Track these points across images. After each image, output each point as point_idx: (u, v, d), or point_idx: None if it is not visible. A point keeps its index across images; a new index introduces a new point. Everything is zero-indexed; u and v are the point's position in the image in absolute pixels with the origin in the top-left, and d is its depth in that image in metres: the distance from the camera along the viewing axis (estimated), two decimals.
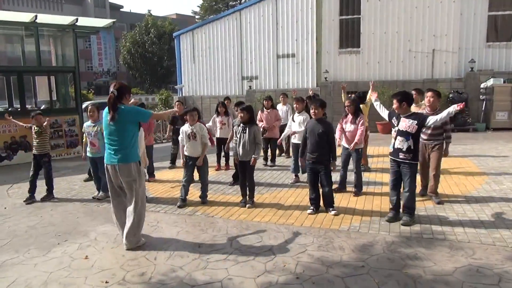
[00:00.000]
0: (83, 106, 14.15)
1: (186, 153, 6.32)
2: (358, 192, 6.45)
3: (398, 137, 4.98)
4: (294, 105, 7.44)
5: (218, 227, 5.18)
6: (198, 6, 47.93)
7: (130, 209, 4.67)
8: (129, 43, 38.02)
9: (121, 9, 57.72)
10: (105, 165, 4.76)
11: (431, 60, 15.70)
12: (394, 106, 5.05)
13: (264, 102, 9.26)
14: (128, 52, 38.24)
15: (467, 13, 15.21)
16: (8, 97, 13.70)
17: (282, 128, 9.95)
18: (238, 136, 6.06)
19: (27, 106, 12.62)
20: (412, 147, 4.87)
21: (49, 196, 7.00)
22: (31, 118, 6.99)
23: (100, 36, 46.45)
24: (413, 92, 6.96)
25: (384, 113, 5.38)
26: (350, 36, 16.38)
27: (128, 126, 4.58)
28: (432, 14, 15.46)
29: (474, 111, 14.85)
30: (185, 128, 6.33)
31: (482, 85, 14.73)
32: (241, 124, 6.05)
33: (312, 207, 5.60)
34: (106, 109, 4.63)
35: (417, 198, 5.29)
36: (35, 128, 6.93)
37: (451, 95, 14.48)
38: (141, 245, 4.65)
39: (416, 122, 4.86)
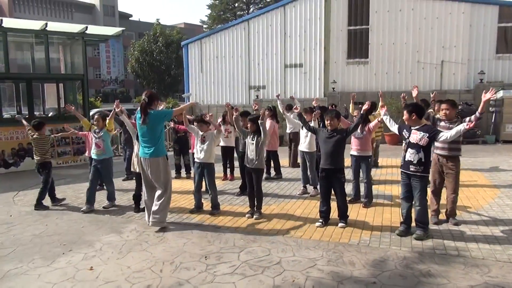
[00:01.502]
0: (91, 113, 14.18)
1: (195, 159, 6.34)
2: (367, 203, 6.34)
3: (409, 150, 4.87)
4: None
5: (225, 238, 5.08)
6: (206, 16, 48.33)
7: (159, 193, 5.52)
8: (137, 51, 38.28)
9: (130, 18, 58.37)
10: (139, 157, 5.64)
11: (440, 71, 15.60)
12: (404, 117, 4.97)
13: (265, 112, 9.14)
14: (136, 60, 38.49)
15: (477, 25, 15.14)
16: (16, 103, 13.77)
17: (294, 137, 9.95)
18: (247, 144, 6.04)
19: (35, 113, 12.67)
20: (423, 160, 4.77)
21: (39, 205, 6.79)
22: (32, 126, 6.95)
23: (109, 44, 46.90)
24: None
25: (393, 127, 5.27)
26: (358, 46, 16.35)
27: (157, 127, 5.42)
28: (441, 25, 15.40)
29: (484, 123, 14.67)
30: (199, 131, 6.37)
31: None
32: (250, 133, 6.03)
33: (321, 220, 5.49)
34: (138, 113, 5.50)
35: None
36: (35, 136, 6.86)
37: (460, 107, 14.31)
38: (164, 227, 5.50)
39: (427, 135, 4.76)
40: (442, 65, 15.54)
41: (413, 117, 4.89)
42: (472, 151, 11.72)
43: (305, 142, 7.32)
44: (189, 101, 19.36)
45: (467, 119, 5.43)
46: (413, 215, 4.97)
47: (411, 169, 4.83)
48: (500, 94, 14.05)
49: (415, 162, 4.79)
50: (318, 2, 16.50)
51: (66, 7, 53.00)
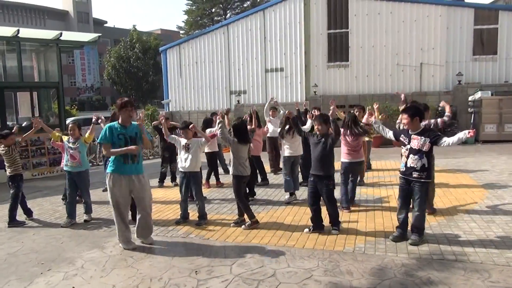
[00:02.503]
0: (67, 122, 13.71)
1: (180, 168, 6.05)
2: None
3: (411, 156, 4.70)
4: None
5: (215, 250, 4.85)
6: (183, 22, 47.86)
7: None
8: (114, 58, 37.60)
9: (105, 25, 57.39)
10: None
11: (419, 73, 15.79)
12: (405, 121, 4.79)
13: (247, 117, 8.90)
14: (112, 67, 37.78)
15: (453, 27, 15.41)
16: None
17: (272, 141, 9.70)
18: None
19: (8, 123, 12.16)
20: (426, 165, 4.62)
21: (13, 222, 6.39)
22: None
23: (84, 51, 45.93)
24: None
25: (388, 134, 5.11)
26: (338, 50, 16.40)
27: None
28: (419, 28, 15.61)
29: (463, 123, 14.88)
30: (182, 140, 6.08)
31: (470, 98, 14.83)
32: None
33: (310, 227, 5.34)
34: None
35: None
36: (1, 149, 6.49)
37: (440, 108, 14.48)
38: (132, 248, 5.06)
39: (429, 140, 4.61)
40: (421, 67, 15.73)
41: (416, 121, 4.74)
42: (453, 152, 11.81)
43: (290, 146, 7.18)
44: (168, 108, 18.99)
45: (433, 122, 5.53)
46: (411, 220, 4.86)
47: (414, 175, 4.67)
48: (478, 95, 14.28)
49: (418, 168, 4.65)
50: (298, 6, 16.50)
51: (39, 14, 51.72)
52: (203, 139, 6.03)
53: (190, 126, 6.01)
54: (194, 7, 44.93)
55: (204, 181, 8.47)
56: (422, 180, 4.65)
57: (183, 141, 6.02)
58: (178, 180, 7.11)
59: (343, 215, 5.98)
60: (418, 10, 15.61)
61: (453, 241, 4.80)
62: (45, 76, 13.05)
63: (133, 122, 5.06)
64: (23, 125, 13.04)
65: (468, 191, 7.13)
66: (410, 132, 4.78)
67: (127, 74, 37.63)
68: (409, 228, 4.88)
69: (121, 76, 37.71)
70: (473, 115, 14.71)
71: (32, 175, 10.95)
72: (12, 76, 12.38)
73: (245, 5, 43.84)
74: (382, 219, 5.80)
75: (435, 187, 6.06)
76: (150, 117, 20.79)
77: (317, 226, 5.33)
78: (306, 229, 5.33)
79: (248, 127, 6.89)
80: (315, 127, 5.41)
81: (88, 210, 6.54)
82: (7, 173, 6.49)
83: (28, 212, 6.75)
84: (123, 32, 46.29)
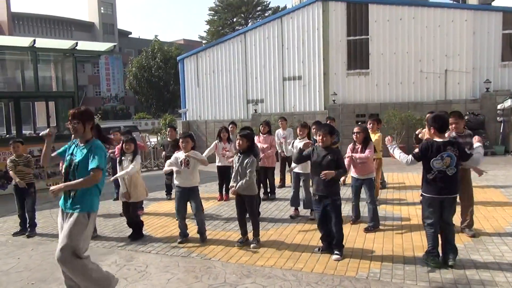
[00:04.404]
0: None
1: (176, 183, 5.68)
2: (372, 228, 5.68)
3: None
4: (298, 131, 6.74)
5: (215, 273, 4.46)
6: (205, 31, 48.22)
7: None
8: (135, 67, 38.07)
9: (129, 36, 58.46)
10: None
11: (444, 80, 15.08)
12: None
13: (261, 127, 8.56)
14: (134, 77, 38.24)
15: (480, 32, 14.68)
16: (6, 123, 13.31)
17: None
18: (236, 165, 5.38)
19: (24, 132, 12.18)
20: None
21: (32, 231, 6.40)
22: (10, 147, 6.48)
23: (108, 61, 46.80)
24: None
25: None
26: (358, 57, 15.87)
27: None
28: (443, 33, 14.94)
29: (492, 133, 14.10)
30: (179, 154, 5.69)
31: (499, 106, 14.04)
32: (239, 153, 5.38)
33: (319, 246, 4.91)
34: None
35: None
36: (14, 159, 6.37)
37: (466, 117, 13.75)
38: None
39: None
40: (446, 74, 15.02)
41: (432, 131, 4.42)
42: (480, 164, 11.06)
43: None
44: (185, 117, 18.84)
45: None
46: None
47: None
48: (508, 103, 13.48)
49: None
50: (316, 13, 16.11)
51: (66, 26, 53.17)
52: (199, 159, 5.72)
53: (186, 154, 5.56)
54: (216, 17, 45.28)
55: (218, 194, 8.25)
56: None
57: (181, 155, 5.64)
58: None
59: (358, 235, 5.52)
60: (442, 15, 14.96)
61: (482, 267, 4.26)
62: (63, 86, 13.07)
63: (95, 142, 3.78)
64: (40, 134, 13.10)
65: (498, 209, 6.51)
66: None
67: (148, 83, 38.01)
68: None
69: (142, 86, 38.10)
70: (502, 124, 13.91)
71: (47, 184, 10.87)
72: (29, 86, 12.45)
73: (266, 14, 43.84)
74: (402, 239, 5.28)
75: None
76: (168, 125, 20.75)
77: (327, 247, 4.89)
78: (316, 249, 4.91)
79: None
80: (318, 138, 4.96)
81: None
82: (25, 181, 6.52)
83: (23, 225, 6.56)
84: (147, 43, 46.93)
